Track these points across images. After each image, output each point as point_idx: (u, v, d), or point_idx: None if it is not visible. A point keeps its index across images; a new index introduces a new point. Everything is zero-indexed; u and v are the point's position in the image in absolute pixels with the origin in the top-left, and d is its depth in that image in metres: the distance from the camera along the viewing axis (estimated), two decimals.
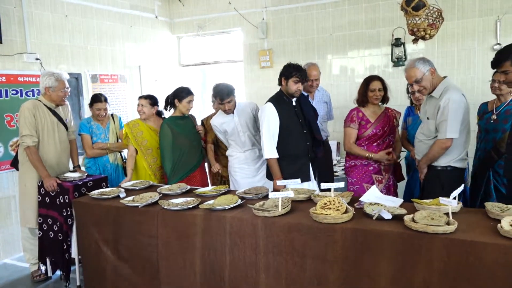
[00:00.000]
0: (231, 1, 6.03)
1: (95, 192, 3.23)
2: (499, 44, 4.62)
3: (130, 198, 3.00)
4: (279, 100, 3.39)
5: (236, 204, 2.64)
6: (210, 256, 2.58)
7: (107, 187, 3.56)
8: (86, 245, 3.13)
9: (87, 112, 4.88)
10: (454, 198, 2.30)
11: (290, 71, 3.31)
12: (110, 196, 3.10)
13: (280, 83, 3.42)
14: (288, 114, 3.37)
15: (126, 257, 2.93)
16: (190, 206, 2.71)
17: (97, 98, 4.11)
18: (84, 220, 3.13)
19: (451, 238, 1.99)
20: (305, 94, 4.17)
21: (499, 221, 2.07)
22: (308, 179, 3.39)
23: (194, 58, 6.77)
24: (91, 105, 4.14)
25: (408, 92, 3.87)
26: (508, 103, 3.24)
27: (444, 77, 3.00)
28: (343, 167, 4.05)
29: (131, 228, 2.88)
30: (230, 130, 3.77)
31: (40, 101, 3.60)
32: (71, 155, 3.90)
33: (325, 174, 3.87)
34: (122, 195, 3.13)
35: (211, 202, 2.73)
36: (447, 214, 2.19)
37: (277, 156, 3.31)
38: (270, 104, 3.35)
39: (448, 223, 2.09)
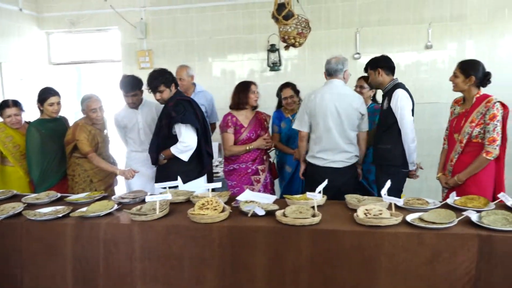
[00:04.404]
0: None
1: None
2: (358, 53, 5.19)
3: None
4: None
5: (111, 210, 2.54)
6: (83, 266, 2.42)
7: None
8: None
9: None
10: (319, 192, 2.54)
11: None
12: None
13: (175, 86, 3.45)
14: None
15: None
16: (60, 215, 2.52)
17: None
18: None
19: (316, 229, 2.20)
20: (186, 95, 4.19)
21: (356, 210, 2.34)
22: None
23: (67, 56, 6.28)
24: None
25: (277, 95, 4.11)
26: (368, 107, 3.66)
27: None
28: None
29: None
30: (130, 125, 3.69)
31: None
32: None
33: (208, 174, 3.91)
34: None
35: (84, 209, 2.57)
36: (313, 207, 2.40)
37: None
38: None
39: (314, 215, 2.30)
